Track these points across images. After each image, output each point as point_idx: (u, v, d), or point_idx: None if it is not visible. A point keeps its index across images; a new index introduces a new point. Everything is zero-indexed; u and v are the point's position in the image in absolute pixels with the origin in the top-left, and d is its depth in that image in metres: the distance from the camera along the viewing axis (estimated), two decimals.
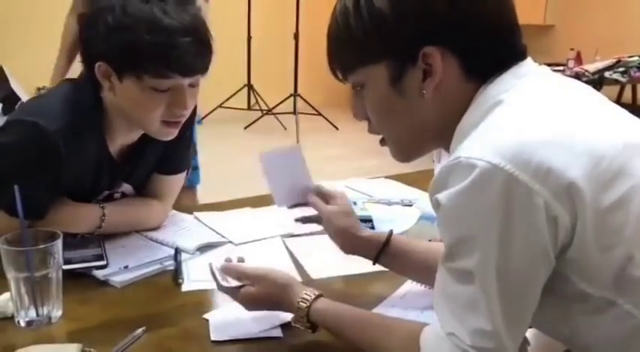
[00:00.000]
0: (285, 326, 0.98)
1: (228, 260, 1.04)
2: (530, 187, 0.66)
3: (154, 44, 1.06)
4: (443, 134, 0.82)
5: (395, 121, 0.85)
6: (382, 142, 0.90)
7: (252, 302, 0.97)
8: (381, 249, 1.07)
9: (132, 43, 1.06)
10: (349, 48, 0.83)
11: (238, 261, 1.04)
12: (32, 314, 0.97)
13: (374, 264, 1.08)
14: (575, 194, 0.67)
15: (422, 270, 1.05)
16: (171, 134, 1.20)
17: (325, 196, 1.13)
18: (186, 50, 1.08)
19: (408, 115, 0.83)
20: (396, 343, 0.83)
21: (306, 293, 0.92)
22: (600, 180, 0.68)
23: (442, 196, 0.72)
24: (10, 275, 0.95)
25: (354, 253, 1.11)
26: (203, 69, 1.15)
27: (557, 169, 0.67)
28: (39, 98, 1.22)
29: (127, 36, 1.06)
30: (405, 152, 0.89)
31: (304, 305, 0.91)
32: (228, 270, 0.99)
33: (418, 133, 0.85)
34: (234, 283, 0.97)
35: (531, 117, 0.72)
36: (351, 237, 1.09)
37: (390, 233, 1.09)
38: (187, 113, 1.18)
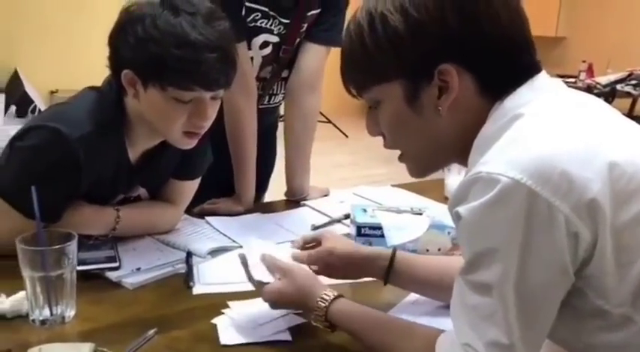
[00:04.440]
0: (294, 330, 0.99)
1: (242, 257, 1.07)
2: (551, 203, 0.67)
3: (180, 58, 1.08)
4: (459, 149, 0.82)
5: (411, 138, 0.85)
6: (401, 158, 0.90)
7: (275, 299, 0.99)
8: (388, 270, 1.07)
9: (159, 56, 1.09)
10: (364, 66, 0.83)
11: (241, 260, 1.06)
12: (46, 313, 0.98)
13: (385, 284, 1.09)
14: (596, 210, 0.67)
15: (435, 289, 1.06)
16: (191, 144, 1.22)
17: (313, 241, 1.13)
18: (211, 66, 1.10)
19: (424, 132, 0.83)
20: (412, 347, 0.84)
21: (325, 293, 0.94)
22: (619, 196, 0.69)
23: (463, 209, 0.72)
24: (26, 274, 0.97)
25: (361, 276, 1.11)
26: (226, 84, 1.17)
27: (579, 185, 0.67)
28: (63, 105, 1.23)
29: (154, 48, 1.09)
30: (421, 168, 0.90)
31: (323, 304, 0.93)
32: (265, 259, 1.03)
33: (434, 149, 0.85)
34: (265, 278, 1.01)
35: (552, 131, 0.73)
36: (355, 260, 1.09)
37: (394, 250, 1.09)
38: (208, 125, 1.21)
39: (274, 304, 1.00)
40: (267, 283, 1.01)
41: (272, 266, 1.02)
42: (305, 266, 1.05)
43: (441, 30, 0.77)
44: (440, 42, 0.77)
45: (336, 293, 0.94)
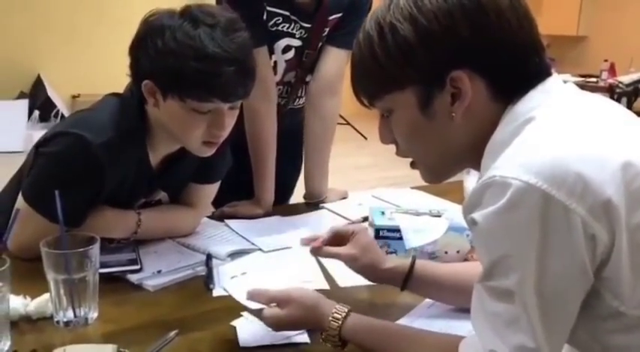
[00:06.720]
0: (311, 332, 1.00)
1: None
2: (567, 206, 0.66)
3: (198, 71, 1.09)
4: (472, 154, 0.82)
5: (425, 145, 0.85)
6: (413, 165, 0.90)
7: (279, 325, 0.96)
8: (406, 278, 1.08)
9: (177, 68, 1.10)
10: (375, 76, 0.83)
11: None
12: (70, 314, 1.00)
13: (402, 290, 1.09)
14: (612, 211, 0.67)
15: (449, 293, 1.07)
16: (210, 152, 1.24)
17: (343, 236, 1.12)
18: (229, 78, 1.11)
19: (437, 138, 0.83)
20: None
21: (336, 312, 0.93)
22: (634, 197, 0.68)
23: (478, 215, 0.72)
24: (50, 276, 0.99)
25: (380, 283, 1.12)
26: (244, 95, 1.19)
27: (593, 187, 0.67)
28: (86, 111, 1.26)
29: (173, 61, 1.10)
30: (435, 174, 0.90)
31: (336, 324, 0.92)
32: (254, 296, 0.99)
33: (448, 155, 0.86)
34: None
35: (564, 134, 0.72)
36: (376, 271, 1.09)
37: (413, 259, 1.09)
38: (226, 134, 1.22)
39: (279, 328, 0.97)
40: (263, 309, 0.97)
41: (265, 298, 0.98)
42: (302, 286, 1.02)
43: (451, 38, 0.77)
44: (450, 49, 0.77)
45: (345, 310, 0.93)
